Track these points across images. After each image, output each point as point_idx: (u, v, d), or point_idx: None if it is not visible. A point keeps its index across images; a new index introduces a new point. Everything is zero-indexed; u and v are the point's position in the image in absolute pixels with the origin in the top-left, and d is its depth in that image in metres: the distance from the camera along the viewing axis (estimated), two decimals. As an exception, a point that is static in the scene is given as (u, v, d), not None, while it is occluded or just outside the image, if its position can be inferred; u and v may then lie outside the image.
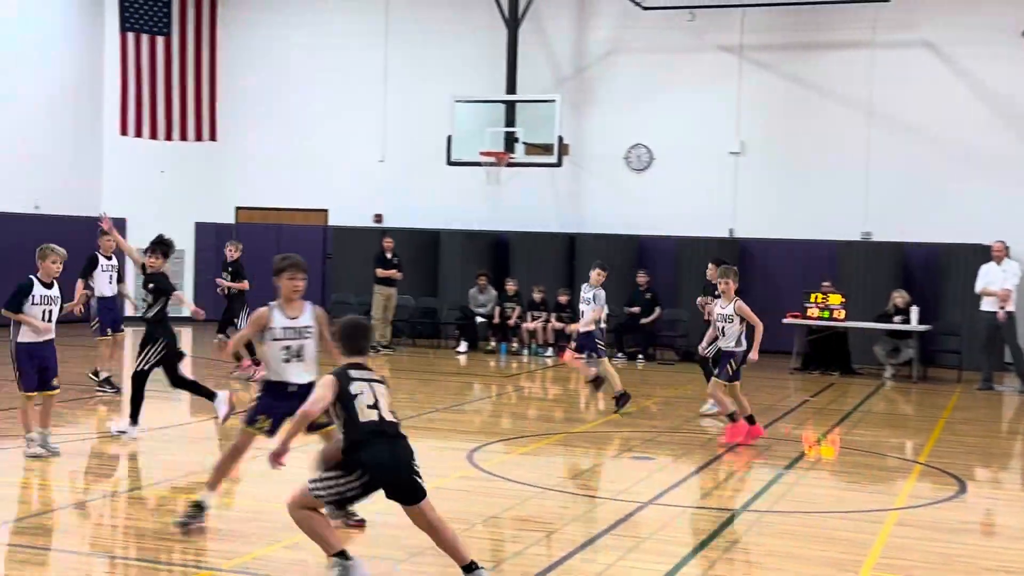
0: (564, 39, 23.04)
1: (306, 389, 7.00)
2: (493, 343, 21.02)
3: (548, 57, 23.02)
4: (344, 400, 6.31)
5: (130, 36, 24.37)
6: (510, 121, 21.01)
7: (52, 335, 9.76)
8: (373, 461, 6.20)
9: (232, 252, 16.83)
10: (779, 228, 21.57)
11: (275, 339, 7.48)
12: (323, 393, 6.34)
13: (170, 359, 10.69)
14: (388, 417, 6.35)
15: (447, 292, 22.63)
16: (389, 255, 20.66)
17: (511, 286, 21.31)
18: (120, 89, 24.38)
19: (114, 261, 14.50)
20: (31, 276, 9.74)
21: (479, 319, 21.19)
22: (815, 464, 11.28)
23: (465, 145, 20.88)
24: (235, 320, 16.04)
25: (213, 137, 24.91)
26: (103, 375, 13.89)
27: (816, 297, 18.91)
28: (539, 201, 22.82)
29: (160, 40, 24.54)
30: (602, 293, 13.61)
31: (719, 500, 9.47)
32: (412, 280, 21.83)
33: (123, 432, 10.72)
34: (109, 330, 14.05)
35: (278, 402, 7.42)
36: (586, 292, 13.69)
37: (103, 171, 24.78)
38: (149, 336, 10.65)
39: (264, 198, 25.03)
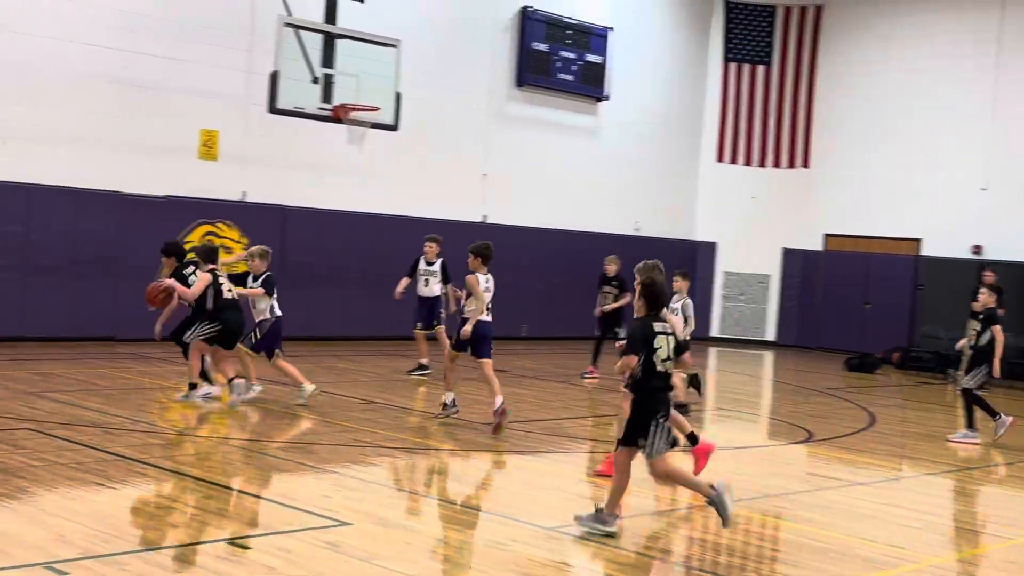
0: None
1: None
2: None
3: None
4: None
5: (732, 66, 25.28)
6: None
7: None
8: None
9: (611, 268, 16.60)
10: None
11: None
12: None
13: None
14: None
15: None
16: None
17: None
18: (719, 117, 25.37)
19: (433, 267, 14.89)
20: None
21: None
22: None
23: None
24: (616, 331, 15.63)
25: (806, 164, 25.00)
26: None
27: None
28: None
29: (760, 69, 25.15)
30: None
31: None
32: (1015, 317, 20.15)
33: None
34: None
35: None
36: None
37: (697, 196, 25.87)
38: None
39: (854, 226, 24.57)
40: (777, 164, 25.15)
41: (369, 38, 16.64)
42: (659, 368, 7.40)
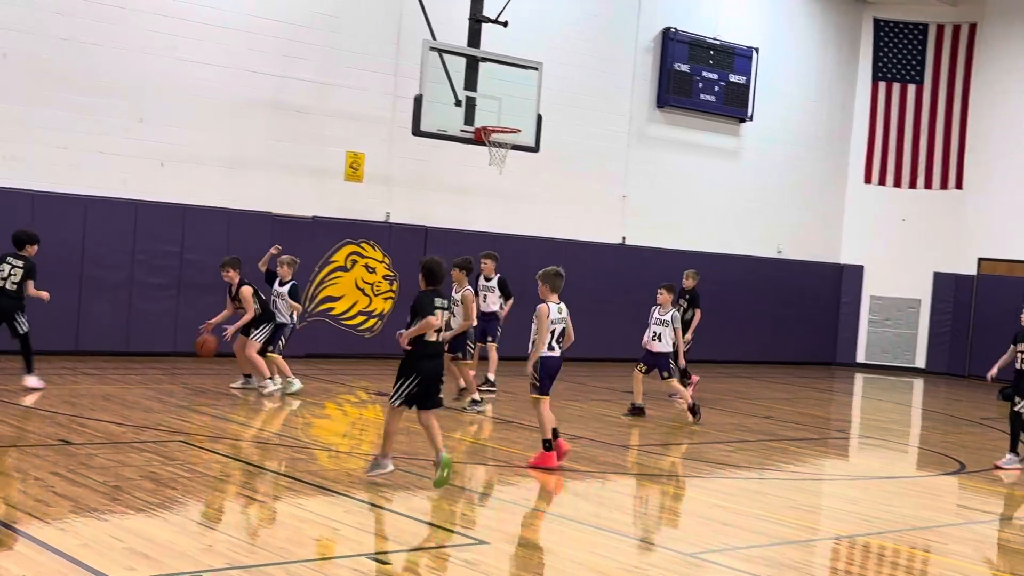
0: None
1: None
2: None
3: None
4: None
5: (881, 85, 24.64)
6: None
7: None
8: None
9: (688, 281, 16.02)
10: None
11: None
12: None
13: None
14: None
15: None
16: None
17: None
18: (867, 137, 24.75)
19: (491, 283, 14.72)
20: None
21: None
22: None
23: None
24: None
25: (959, 185, 24.16)
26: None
27: None
28: None
29: (912, 88, 24.45)
30: None
31: None
32: None
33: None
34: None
35: None
36: None
37: (844, 218, 25.26)
38: None
39: (1010, 249, 23.60)
40: (928, 185, 24.37)
41: (511, 61, 16.82)
42: (429, 338, 8.54)
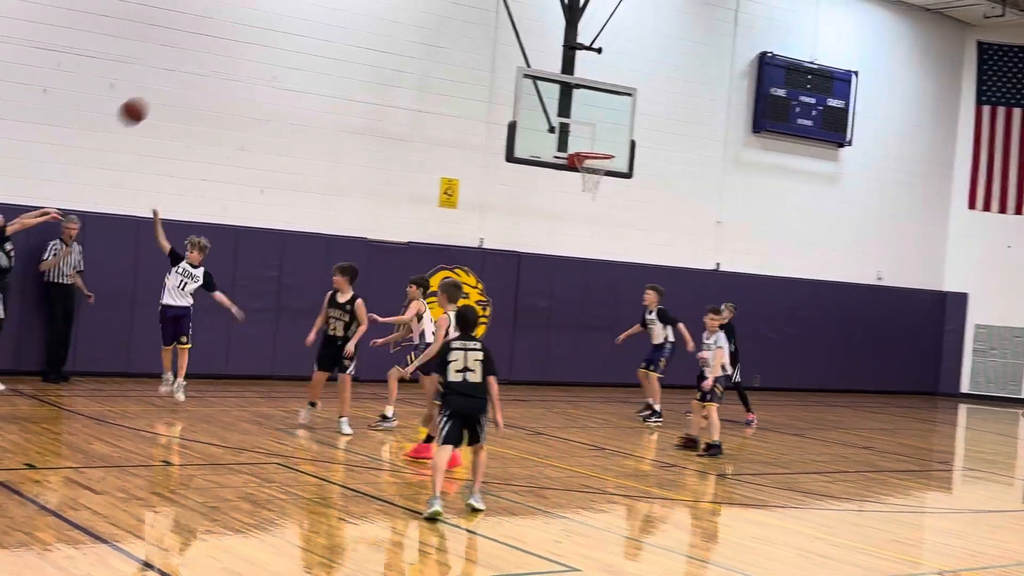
0: None
1: None
2: None
3: None
4: None
5: (985, 108, 24.06)
6: None
7: None
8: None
9: (725, 313, 15.36)
10: None
11: None
12: None
13: None
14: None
15: None
16: None
17: None
18: (971, 162, 24.15)
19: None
20: None
21: None
22: None
23: None
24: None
25: (1067, 211, 23.45)
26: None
27: None
28: None
29: (1017, 111, 23.82)
30: None
31: None
32: None
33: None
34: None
35: None
36: None
37: (947, 244, 24.66)
38: None
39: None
40: (1034, 211, 23.67)
41: (605, 87, 16.83)
42: (451, 378, 8.57)
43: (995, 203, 23.99)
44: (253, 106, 16.56)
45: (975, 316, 24.41)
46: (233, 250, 16.32)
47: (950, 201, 24.56)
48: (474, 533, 8.13)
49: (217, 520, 7.73)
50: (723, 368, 12.74)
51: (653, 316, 15.12)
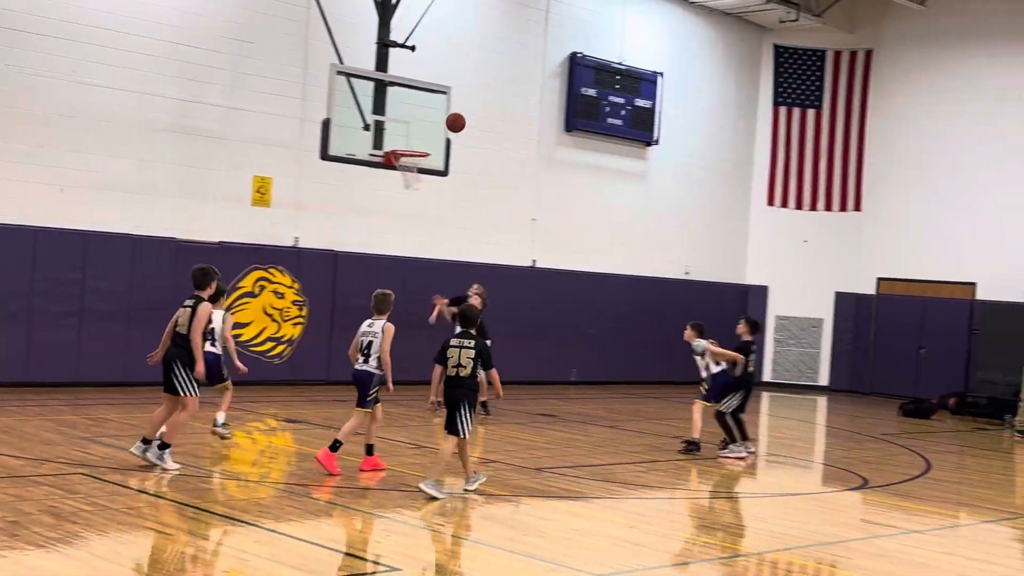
0: None
1: None
2: None
3: None
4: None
5: (782, 109, 25.24)
6: None
7: None
8: None
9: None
10: None
11: None
12: None
13: None
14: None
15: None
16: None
17: None
18: (770, 160, 25.31)
19: None
20: None
21: None
22: None
23: None
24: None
25: (858, 207, 24.83)
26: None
27: None
28: None
29: (811, 112, 25.08)
30: None
31: None
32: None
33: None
34: None
35: None
36: None
37: (748, 240, 25.75)
38: None
39: (907, 269, 24.31)
40: (828, 207, 25.00)
41: (419, 85, 16.82)
42: (449, 372, 9.72)
43: (792, 200, 25.23)
44: (51, 101, 15.82)
45: (775, 308, 25.58)
46: (31, 252, 15.57)
47: (750, 198, 25.65)
48: (291, 537, 8.01)
49: (17, 535, 7.37)
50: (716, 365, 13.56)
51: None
